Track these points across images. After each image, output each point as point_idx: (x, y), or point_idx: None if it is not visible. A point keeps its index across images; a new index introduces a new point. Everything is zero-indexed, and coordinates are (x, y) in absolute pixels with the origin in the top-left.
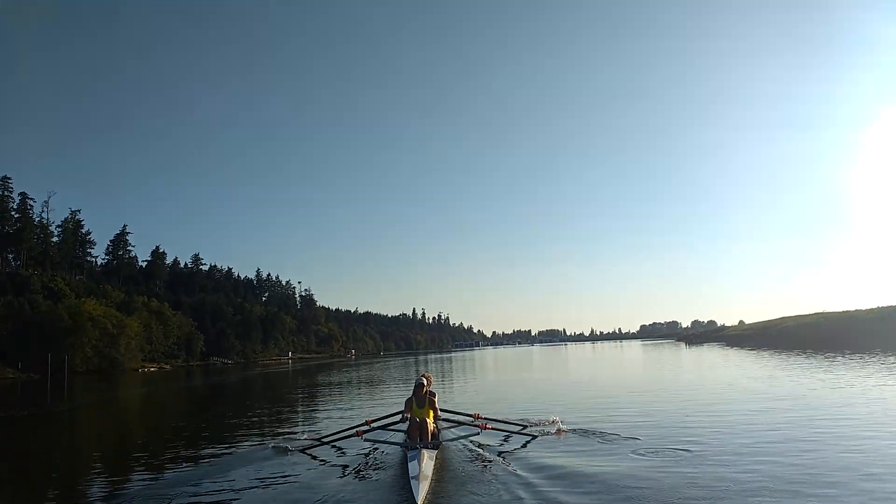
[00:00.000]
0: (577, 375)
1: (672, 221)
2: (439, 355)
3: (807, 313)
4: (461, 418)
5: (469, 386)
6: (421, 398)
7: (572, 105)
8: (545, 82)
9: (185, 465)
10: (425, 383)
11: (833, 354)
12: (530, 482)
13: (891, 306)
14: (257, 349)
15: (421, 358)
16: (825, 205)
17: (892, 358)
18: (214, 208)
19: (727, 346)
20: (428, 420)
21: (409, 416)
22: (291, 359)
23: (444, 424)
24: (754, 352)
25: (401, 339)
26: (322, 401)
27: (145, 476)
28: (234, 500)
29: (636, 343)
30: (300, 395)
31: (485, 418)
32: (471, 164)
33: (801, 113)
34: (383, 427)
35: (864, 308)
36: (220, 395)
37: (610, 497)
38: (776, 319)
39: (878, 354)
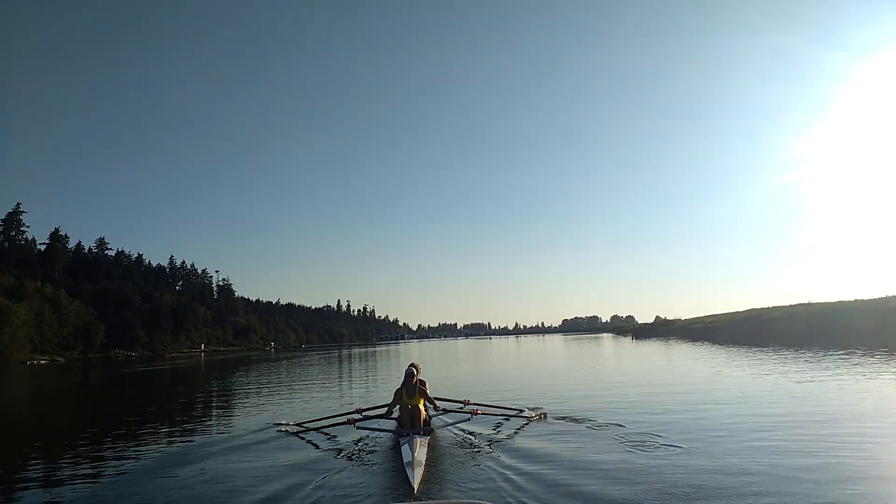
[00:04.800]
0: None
1: (591, 220)
2: (363, 349)
3: (791, 304)
4: (451, 405)
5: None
6: (411, 387)
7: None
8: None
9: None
10: (415, 372)
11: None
12: (520, 467)
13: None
14: (167, 341)
15: (345, 352)
16: (742, 210)
17: None
18: (124, 190)
19: (693, 341)
20: (419, 407)
21: (399, 405)
22: (204, 351)
23: (435, 411)
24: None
25: (324, 332)
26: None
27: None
28: (227, 482)
29: (558, 337)
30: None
31: (475, 404)
32: (395, 158)
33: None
34: (375, 416)
35: (852, 299)
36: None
37: (598, 480)
38: (751, 310)
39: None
